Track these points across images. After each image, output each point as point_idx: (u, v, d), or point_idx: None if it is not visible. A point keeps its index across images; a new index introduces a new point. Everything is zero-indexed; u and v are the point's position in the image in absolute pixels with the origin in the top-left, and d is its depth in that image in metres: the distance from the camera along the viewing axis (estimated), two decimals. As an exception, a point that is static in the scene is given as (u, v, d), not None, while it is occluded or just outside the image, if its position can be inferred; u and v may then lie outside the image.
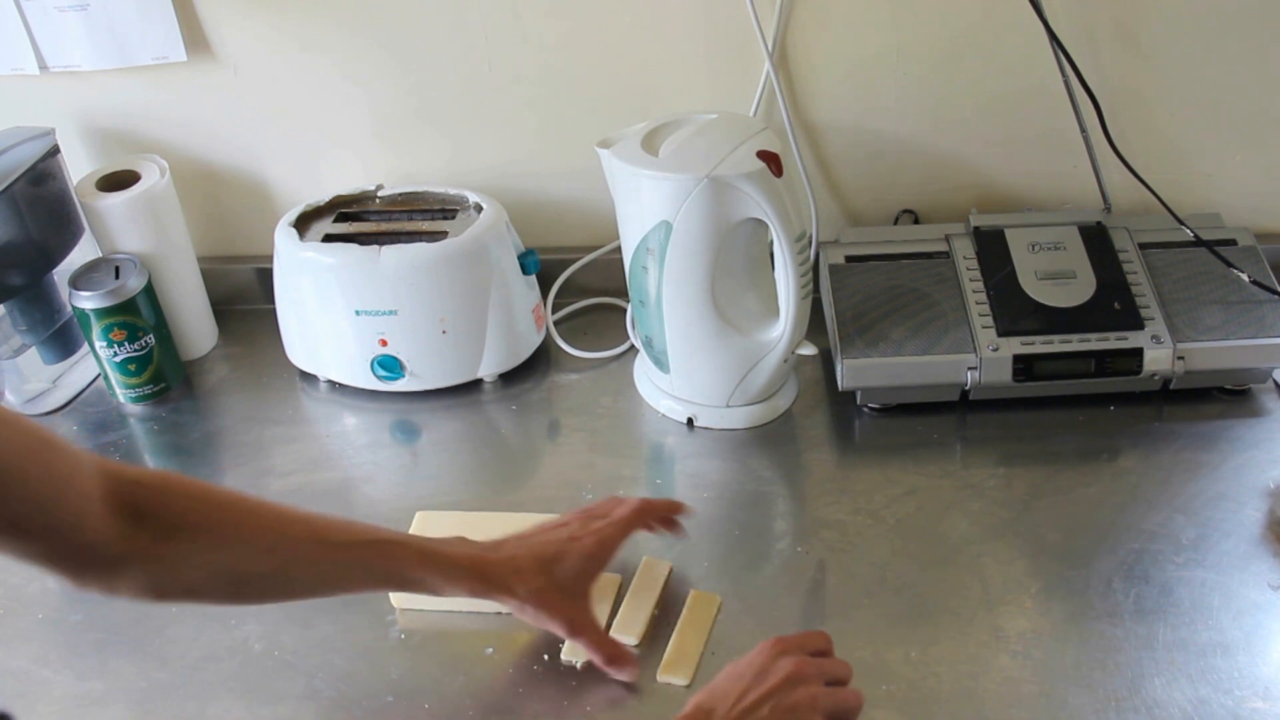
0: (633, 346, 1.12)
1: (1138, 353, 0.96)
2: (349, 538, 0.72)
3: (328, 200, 1.10)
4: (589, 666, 0.79)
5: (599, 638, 0.77)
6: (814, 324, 0.98)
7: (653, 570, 0.86)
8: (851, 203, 1.17)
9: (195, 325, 1.17)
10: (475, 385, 1.09)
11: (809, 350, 0.98)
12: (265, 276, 1.14)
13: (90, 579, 0.64)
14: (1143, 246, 1.03)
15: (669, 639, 0.81)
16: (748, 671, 0.67)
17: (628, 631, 0.82)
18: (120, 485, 0.63)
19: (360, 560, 0.71)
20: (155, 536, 0.64)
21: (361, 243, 1.03)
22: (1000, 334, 0.97)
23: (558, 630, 0.76)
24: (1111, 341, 0.96)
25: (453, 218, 1.07)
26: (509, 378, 1.10)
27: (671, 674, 0.79)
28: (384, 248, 1.01)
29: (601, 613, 0.83)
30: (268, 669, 0.82)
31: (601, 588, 0.83)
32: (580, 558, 0.76)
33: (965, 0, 1.03)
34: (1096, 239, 1.02)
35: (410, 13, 1.07)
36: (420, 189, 1.11)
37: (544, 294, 1.14)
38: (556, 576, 0.75)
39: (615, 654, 0.76)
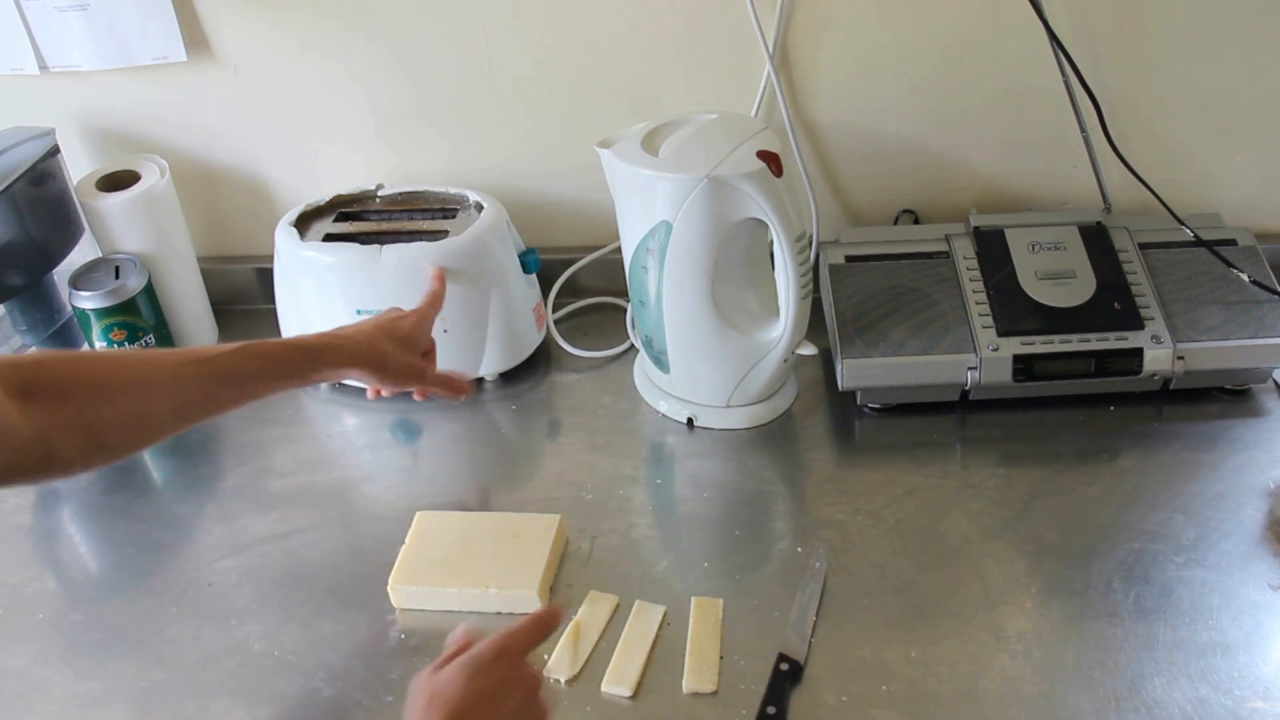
0: (633, 346, 1.12)
1: (1138, 353, 0.96)
2: (217, 351, 0.75)
3: (328, 200, 1.10)
4: (574, 680, 0.80)
5: (444, 380, 0.91)
6: (814, 324, 0.98)
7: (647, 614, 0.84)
8: (851, 203, 1.17)
9: (195, 325, 1.17)
10: (476, 385, 1.09)
11: (809, 350, 0.98)
12: (265, 276, 1.14)
13: (14, 473, 0.64)
14: (1143, 246, 1.03)
15: (684, 651, 0.81)
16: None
17: (621, 683, 0.79)
18: (4, 371, 0.64)
19: (230, 368, 0.75)
20: (52, 406, 0.65)
21: (362, 242, 1.03)
22: (1000, 334, 0.97)
23: (411, 382, 0.89)
24: (1111, 341, 0.97)
25: (453, 217, 1.07)
26: (509, 377, 1.10)
27: (698, 683, 0.78)
28: (385, 247, 1.01)
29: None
30: (268, 669, 0.82)
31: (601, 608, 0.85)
32: (409, 324, 0.90)
33: (965, 1, 1.03)
34: (1096, 239, 1.02)
35: (410, 13, 1.07)
36: (420, 188, 1.11)
37: (544, 294, 1.14)
38: (397, 336, 0.87)
39: (458, 385, 0.92)
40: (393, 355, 0.85)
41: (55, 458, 0.66)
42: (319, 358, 0.81)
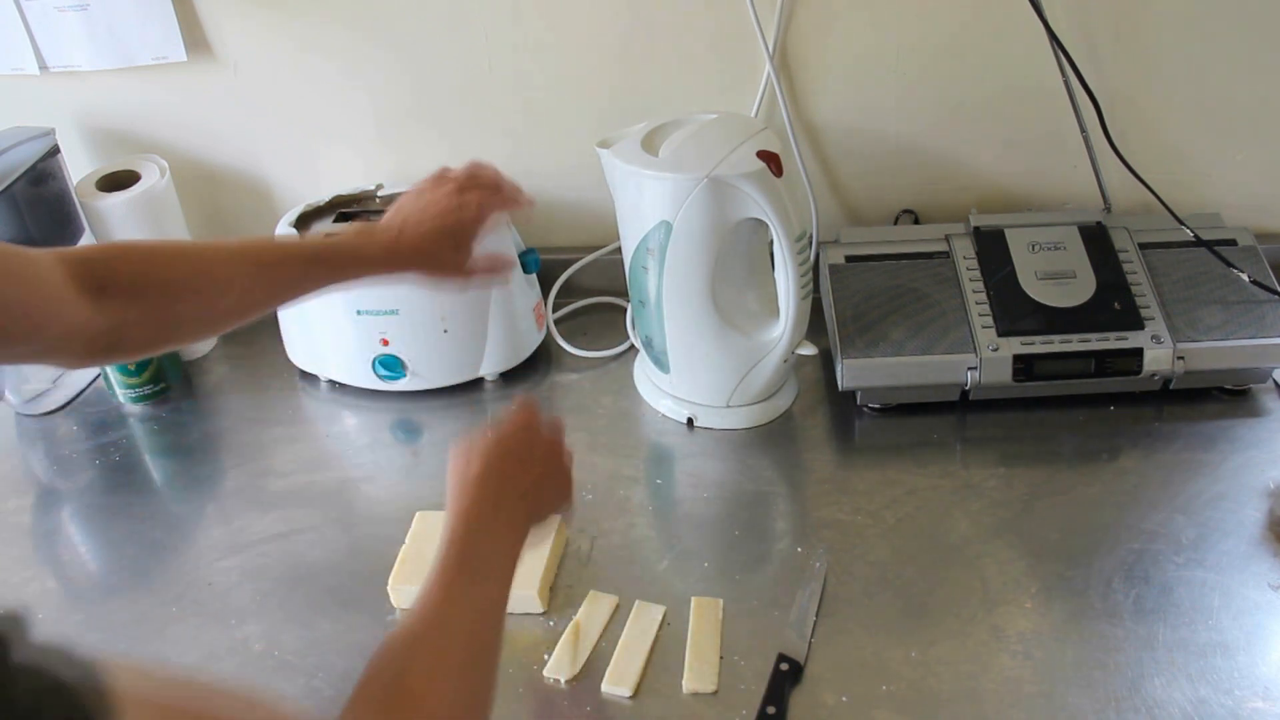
0: (633, 346, 1.12)
1: (1138, 353, 0.96)
2: (281, 254, 0.76)
3: (328, 200, 1.10)
4: (574, 680, 0.80)
5: (489, 264, 0.85)
6: (814, 324, 0.98)
7: (647, 613, 0.84)
8: (851, 203, 1.17)
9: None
10: (476, 384, 1.09)
11: (809, 350, 0.98)
12: (265, 276, 1.13)
13: (84, 358, 0.67)
14: (1143, 246, 1.03)
15: (684, 651, 0.81)
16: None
17: (621, 683, 0.79)
18: (79, 268, 0.65)
19: (293, 273, 0.76)
20: (124, 302, 0.67)
21: (362, 243, 1.03)
22: (1000, 334, 0.97)
23: (456, 285, 0.84)
24: (1111, 341, 0.97)
25: (453, 218, 1.07)
26: (510, 377, 1.10)
27: (698, 683, 0.78)
28: (384, 248, 1.01)
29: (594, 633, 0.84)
30: (268, 669, 0.82)
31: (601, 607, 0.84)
32: (470, 220, 0.82)
33: (965, 1, 1.03)
34: (1096, 239, 1.02)
35: (410, 13, 1.07)
36: (420, 189, 1.11)
37: (544, 294, 1.14)
38: (454, 236, 0.82)
39: (498, 264, 0.87)
40: (447, 259, 0.82)
41: (124, 346, 0.70)
42: (374, 267, 0.79)
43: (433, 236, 0.80)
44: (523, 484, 0.68)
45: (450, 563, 0.60)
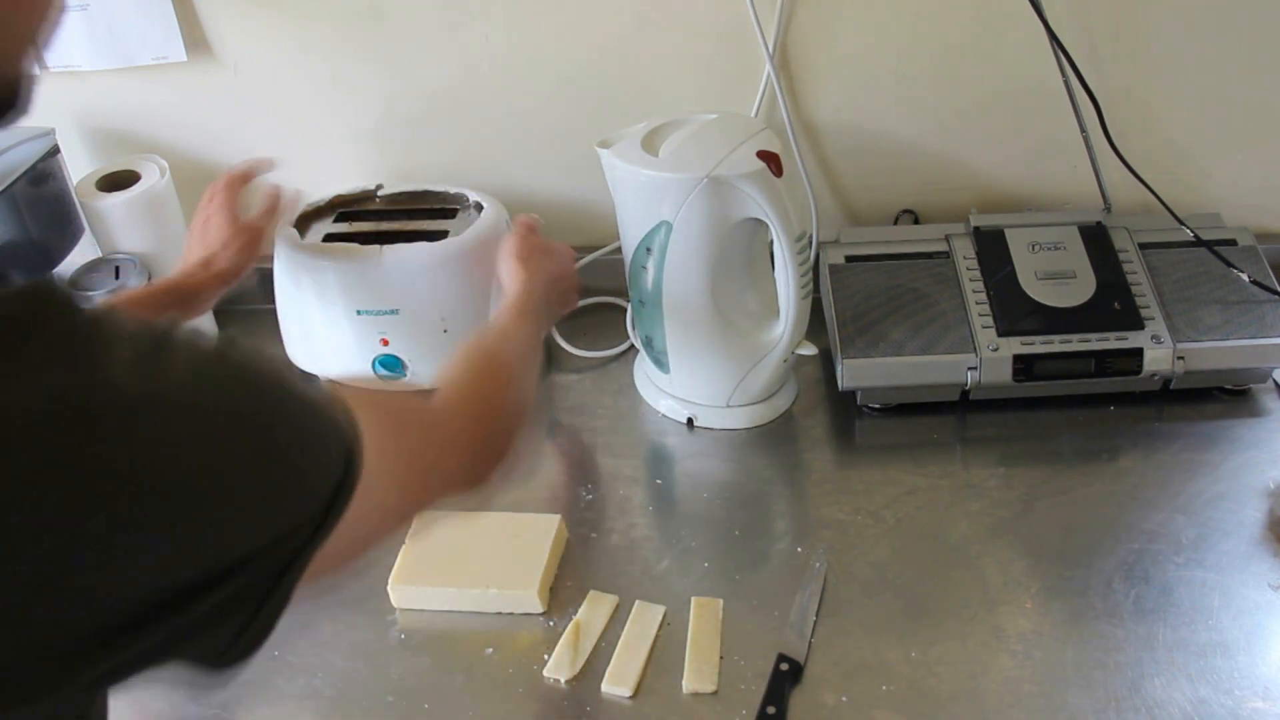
0: (633, 346, 1.12)
1: (1138, 353, 0.96)
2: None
3: (328, 200, 1.10)
4: (574, 680, 0.80)
5: (268, 215, 0.97)
6: (814, 324, 0.98)
7: (646, 613, 0.84)
8: (851, 203, 1.17)
9: (195, 325, 1.16)
10: (475, 385, 1.09)
11: (809, 350, 0.98)
12: (265, 276, 1.13)
13: None
14: (1143, 246, 1.03)
15: (684, 651, 0.81)
16: (546, 254, 0.92)
17: (621, 683, 0.79)
18: None
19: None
20: None
21: (362, 242, 1.03)
22: (1000, 334, 0.97)
23: (259, 250, 0.95)
24: (1111, 341, 0.97)
25: (453, 217, 1.07)
26: (509, 378, 1.10)
27: (698, 683, 0.78)
28: (385, 247, 1.01)
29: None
30: (268, 669, 0.82)
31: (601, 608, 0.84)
32: (215, 223, 0.94)
33: (965, 1, 1.03)
34: (1096, 239, 1.02)
35: (411, 13, 1.07)
36: (420, 188, 1.11)
37: (544, 294, 1.14)
38: (217, 239, 0.93)
39: (270, 207, 0.98)
40: (227, 258, 0.92)
41: None
42: (191, 299, 0.90)
43: (204, 256, 0.91)
44: (563, 282, 0.92)
45: (519, 310, 0.83)
